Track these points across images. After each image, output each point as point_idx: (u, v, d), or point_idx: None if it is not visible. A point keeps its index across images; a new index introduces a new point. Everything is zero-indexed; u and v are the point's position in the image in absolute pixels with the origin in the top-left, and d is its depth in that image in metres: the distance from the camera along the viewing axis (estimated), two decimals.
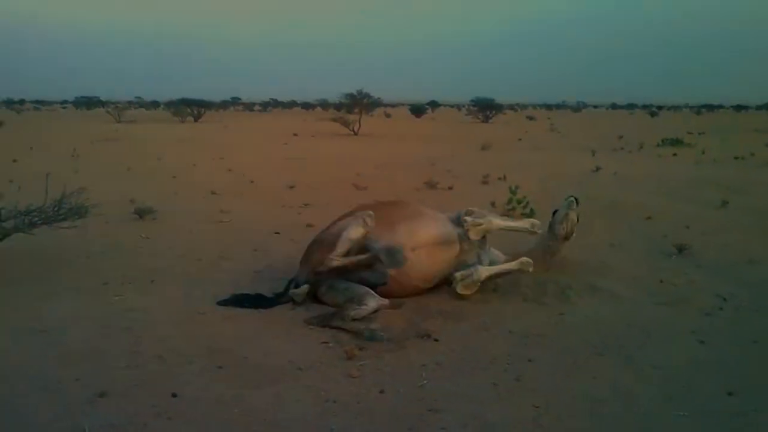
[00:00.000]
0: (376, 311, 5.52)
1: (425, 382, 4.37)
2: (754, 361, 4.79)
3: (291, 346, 4.96)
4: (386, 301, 5.63)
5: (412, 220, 6.25)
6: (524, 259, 6.39)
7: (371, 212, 6.06)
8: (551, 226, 6.84)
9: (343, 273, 5.83)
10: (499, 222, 6.61)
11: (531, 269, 6.34)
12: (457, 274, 6.16)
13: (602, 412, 3.98)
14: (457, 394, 4.20)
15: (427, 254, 6.05)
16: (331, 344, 4.99)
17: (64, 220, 7.48)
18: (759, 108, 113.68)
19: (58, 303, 5.86)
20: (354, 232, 5.90)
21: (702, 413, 3.98)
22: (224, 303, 5.88)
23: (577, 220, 6.82)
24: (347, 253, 5.87)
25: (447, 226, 6.39)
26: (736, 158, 20.43)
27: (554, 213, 6.92)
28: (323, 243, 6.03)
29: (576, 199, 6.88)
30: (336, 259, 5.76)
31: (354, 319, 5.34)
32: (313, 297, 5.93)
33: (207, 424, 3.79)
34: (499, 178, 14.70)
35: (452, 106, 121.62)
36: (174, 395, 4.12)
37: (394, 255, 5.90)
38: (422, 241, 6.08)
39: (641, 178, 15.37)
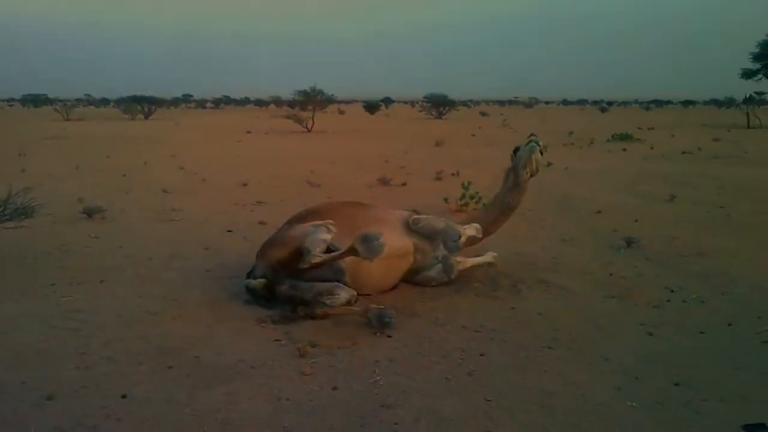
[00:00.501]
0: (348, 302, 5.50)
1: (378, 378, 4.36)
2: (701, 351, 4.88)
3: (243, 344, 4.91)
4: (355, 292, 5.58)
5: (374, 228, 6.11)
6: (493, 253, 6.39)
7: (331, 221, 5.89)
8: (514, 171, 6.68)
9: (302, 273, 5.74)
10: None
11: (497, 263, 6.35)
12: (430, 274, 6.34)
13: (553, 404, 4.03)
14: (410, 389, 4.20)
15: (385, 266, 5.96)
16: (283, 342, 4.96)
17: (10, 220, 7.34)
18: (706, 103, 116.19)
19: (4, 304, 5.73)
20: (324, 234, 5.67)
21: (651, 404, 4.04)
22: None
23: (542, 154, 6.65)
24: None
25: (404, 236, 6.30)
26: (683, 153, 20.87)
27: (514, 152, 6.73)
28: (282, 241, 5.85)
29: (537, 140, 6.68)
30: (318, 256, 5.52)
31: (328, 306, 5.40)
32: (269, 293, 5.80)
33: (158, 425, 3.74)
34: (453, 174, 14.79)
35: (406, 103, 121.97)
36: (124, 396, 4.05)
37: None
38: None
39: (592, 172, 15.63)
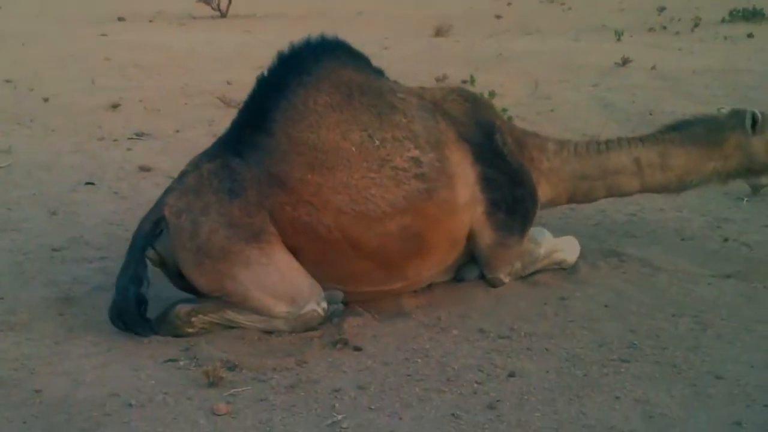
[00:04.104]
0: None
1: (339, 418, 4.39)
2: None
3: (114, 368, 4.91)
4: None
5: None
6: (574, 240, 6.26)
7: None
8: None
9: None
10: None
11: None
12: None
13: None
14: None
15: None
16: (182, 362, 4.96)
17: None
18: None
19: None
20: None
21: None
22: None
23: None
24: None
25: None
26: None
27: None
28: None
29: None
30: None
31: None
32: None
33: None
34: (464, 81, 14.69)
35: None
36: None
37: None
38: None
39: (696, 74, 15.59)
